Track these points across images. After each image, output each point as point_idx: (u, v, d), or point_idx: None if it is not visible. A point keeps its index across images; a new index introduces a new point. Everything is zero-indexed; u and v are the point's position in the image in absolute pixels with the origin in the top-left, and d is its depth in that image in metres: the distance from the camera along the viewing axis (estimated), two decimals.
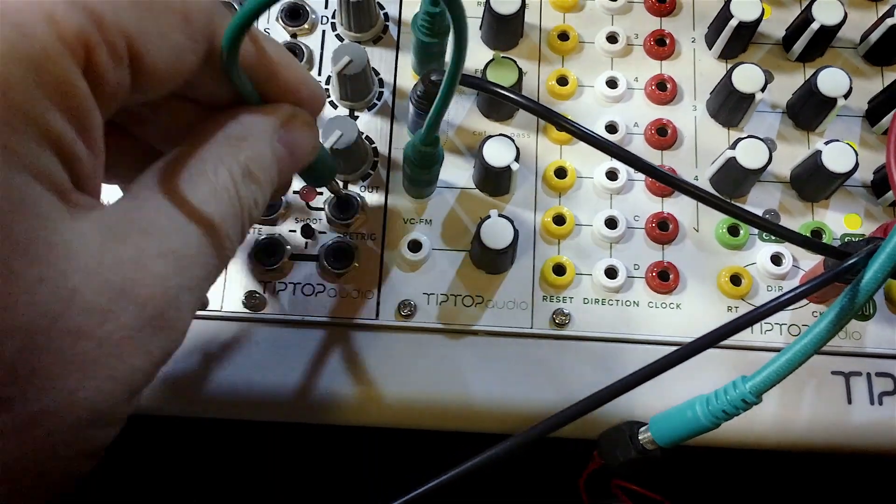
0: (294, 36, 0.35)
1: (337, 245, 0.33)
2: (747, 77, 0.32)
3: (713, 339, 0.27)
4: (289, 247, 0.32)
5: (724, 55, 0.35)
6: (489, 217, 0.31)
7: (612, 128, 0.34)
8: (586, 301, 0.33)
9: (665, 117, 0.35)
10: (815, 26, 0.33)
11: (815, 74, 0.33)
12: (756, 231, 0.33)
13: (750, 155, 0.32)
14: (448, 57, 0.33)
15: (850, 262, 0.26)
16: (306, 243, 0.33)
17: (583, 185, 0.34)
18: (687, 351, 0.27)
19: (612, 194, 0.34)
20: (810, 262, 0.33)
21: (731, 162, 0.32)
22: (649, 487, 0.32)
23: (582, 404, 0.27)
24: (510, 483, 0.38)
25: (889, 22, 0.33)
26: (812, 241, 0.28)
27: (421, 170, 0.31)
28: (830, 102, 0.33)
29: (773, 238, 0.33)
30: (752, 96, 0.32)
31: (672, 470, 0.35)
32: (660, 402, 0.30)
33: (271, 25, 0.36)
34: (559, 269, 0.33)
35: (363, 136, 0.33)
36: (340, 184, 0.33)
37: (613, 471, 0.32)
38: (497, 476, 0.35)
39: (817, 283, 0.26)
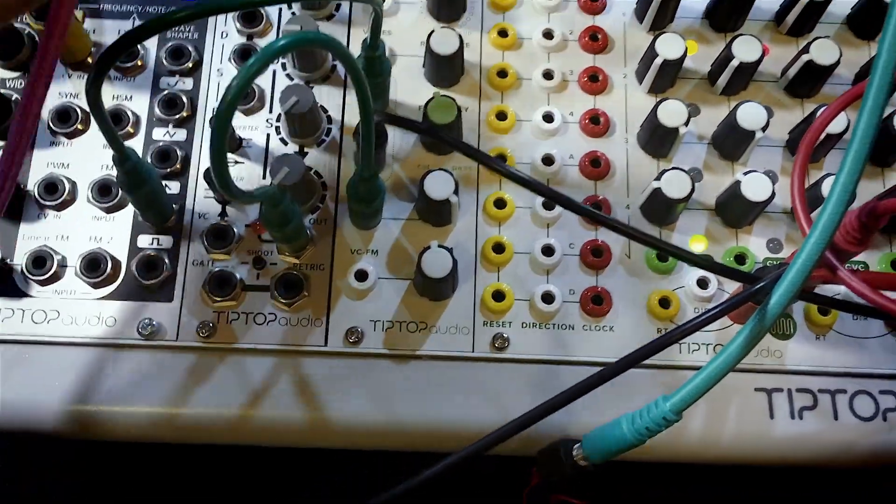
0: None
1: (287, 276, 0.34)
2: (671, 112, 0.35)
3: (633, 360, 0.29)
4: (240, 278, 0.34)
5: (654, 90, 0.37)
6: (429, 248, 0.33)
7: (548, 160, 0.36)
8: (524, 325, 0.35)
9: (598, 149, 0.37)
10: (734, 63, 0.35)
11: (734, 108, 0.35)
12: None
13: (674, 185, 0.34)
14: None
15: (759, 285, 0.28)
16: (258, 274, 0.35)
17: (521, 214, 0.36)
18: (609, 372, 0.29)
19: (549, 224, 0.36)
20: (735, 285, 0.35)
21: (657, 192, 0.34)
22: (589, 499, 0.34)
23: (511, 425, 0.29)
24: (459, 501, 0.40)
25: (805, 58, 0.36)
26: (720, 266, 0.31)
27: (363, 203, 0.32)
28: (750, 135, 0.35)
29: (700, 262, 0.35)
30: (675, 130, 0.34)
31: (611, 481, 0.37)
32: (597, 419, 0.31)
33: (224, 65, 0.37)
34: (499, 296, 0.34)
35: (311, 171, 0.35)
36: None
37: (552, 486, 0.34)
38: (444, 495, 0.37)
39: (728, 305, 0.28)
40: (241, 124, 0.36)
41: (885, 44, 0.24)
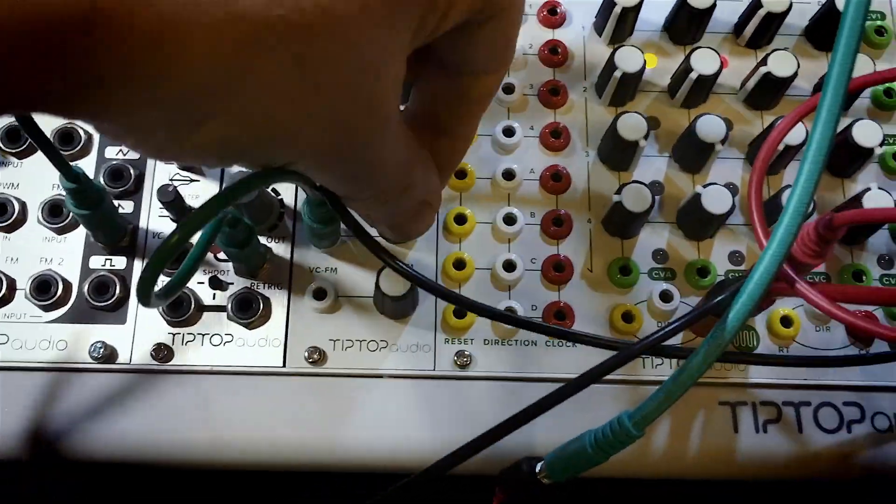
0: None
1: (244, 295, 0.34)
2: (631, 125, 0.34)
3: (592, 377, 0.28)
4: (196, 298, 0.33)
5: (614, 103, 0.37)
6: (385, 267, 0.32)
7: (508, 174, 0.36)
8: (486, 342, 0.34)
9: (560, 164, 0.36)
10: (693, 76, 0.35)
11: (694, 121, 0.35)
12: (646, 270, 0.35)
13: (633, 200, 0.33)
14: None
15: (718, 299, 0.28)
16: (214, 294, 0.34)
17: (482, 230, 0.35)
18: (569, 389, 0.28)
19: (510, 239, 0.35)
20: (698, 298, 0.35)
21: (618, 206, 0.34)
22: None
23: (469, 445, 0.28)
24: None
25: (762, 70, 0.36)
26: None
27: (321, 222, 0.32)
28: (710, 147, 0.35)
29: (663, 276, 0.35)
30: (635, 143, 0.34)
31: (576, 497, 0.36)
32: (563, 435, 0.30)
33: None
34: (460, 313, 0.34)
35: (268, 190, 0.35)
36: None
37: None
38: None
39: (687, 320, 0.28)
40: None
41: (838, 55, 0.24)
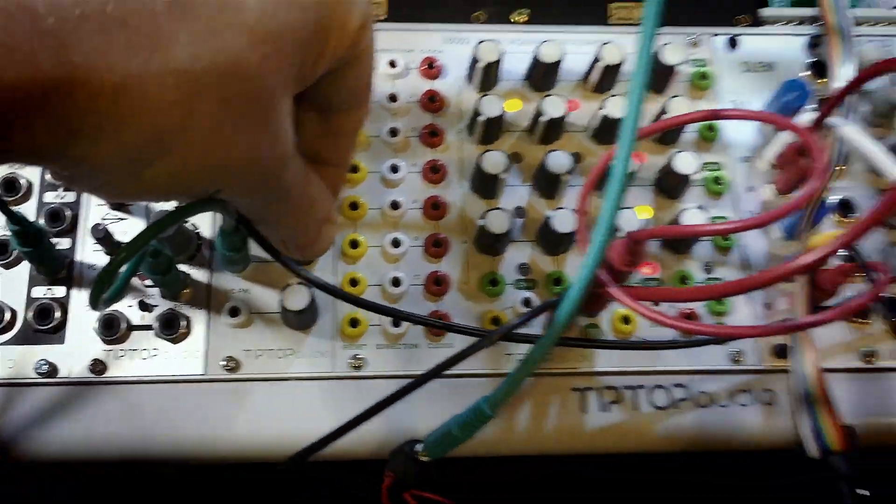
0: None
1: (168, 315, 0.39)
2: (492, 162, 0.41)
3: (440, 369, 0.35)
4: (126, 319, 0.39)
5: (483, 142, 0.44)
6: (289, 285, 0.38)
7: (395, 205, 0.43)
8: (378, 346, 0.40)
9: (438, 194, 0.43)
10: (544, 118, 0.43)
11: (545, 156, 0.42)
12: (511, 281, 0.42)
13: (495, 222, 0.40)
14: None
15: (550, 301, 0.35)
16: (143, 315, 0.40)
17: (373, 252, 0.42)
18: (418, 381, 0.35)
19: (397, 259, 0.42)
20: None
21: (483, 228, 0.40)
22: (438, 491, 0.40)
23: (339, 430, 0.35)
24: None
25: (601, 112, 0.43)
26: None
27: (232, 251, 0.38)
28: (557, 177, 0.42)
29: (526, 286, 0.42)
30: (496, 176, 0.41)
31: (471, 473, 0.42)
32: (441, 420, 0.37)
33: None
34: (354, 322, 0.40)
35: (186, 226, 0.41)
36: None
37: (406, 484, 0.40)
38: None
39: (525, 318, 0.35)
40: None
41: (630, 103, 0.31)
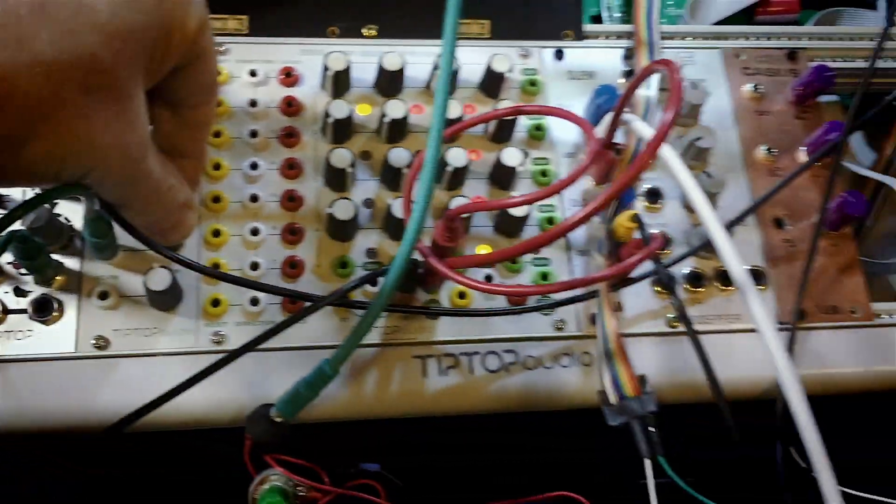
0: None
1: (42, 299, 0.43)
2: (339, 158, 0.47)
3: (257, 342, 0.41)
4: (2, 304, 0.43)
5: (335, 141, 0.49)
6: (152, 268, 0.43)
7: (254, 198, 0.47)
8: (238, 324, 0.45)
9: (296, 188, 0.48)
10: (387, 119, 0.48)
11: (388, 153, 0.47)
12: (360, 264, 0.47)
13: (340, 210, 0.45)
14: None
15: (377, 271, 0.40)
16: (18, 301, 0.43)
17: (234, 241, 0.47)
18: (234, 353, 0.41)
19: (256, 246, 0.47)
20: None
21: (331, 216, 0.46)
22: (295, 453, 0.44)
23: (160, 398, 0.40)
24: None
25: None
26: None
27: (97, 237, 0.42)
28: (398, 171, 0.47)
29: (373, 267, 0.47)
30: (343, 170, 0.47)
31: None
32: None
33: None
34: (216, 303, 0.45)
35: (57, 217, 0.44)
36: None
37: (264, 447, 0.44)
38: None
39: (355, 284, 0.41)
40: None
41: (435, 109, 0.37)
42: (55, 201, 0.45)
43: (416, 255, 0.42)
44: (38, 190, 0.41)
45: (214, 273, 0.41)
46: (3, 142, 0.28)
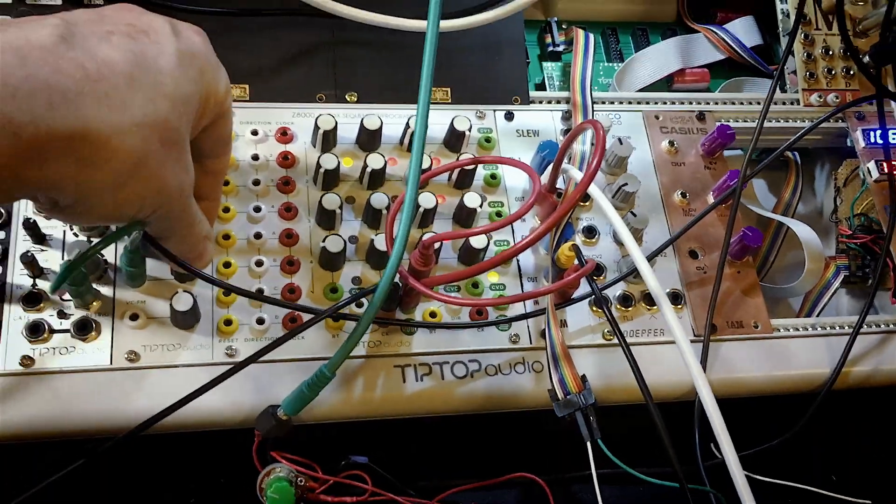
0: None
1: (82, 321, 0.51)
2: (329, 201, 0.56)
3: (259, 354, 0.49)
4: (48, 325, 0.51)
5: (325, 188, 0.59)
6: (177, 293, 0.51)
7: (258, 235, 0.56)
8: (247, 339, 0.54)
9: (292, 227, 0.57)
10: (369, 170, 0.58)
11: (369, 197, 0.57)
12: (348, 290, 0.56)
13: (332, 244, 0.54)
14: None
15: (365, 290, 0.50)
16: (61, 322, 0.52)
17: (242, 271, 0.56)
18: (239, 365, 0.49)
19: (261, 275, 0.56)
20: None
21: (324, 249, 0.55)
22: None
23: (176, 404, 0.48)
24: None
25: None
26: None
27: (131, 267, 0.51)
28: (379, 212, 0.57)
29: (358, 292, 0.57)
30: (332, 212, 0.56)
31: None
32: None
33: None
34: (228, 322, 0.54)
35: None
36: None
37: (270, 443, 0.52)
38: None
39: (348, 301, 0.50)
40: (45, 224, 0.54)
41: (411, 163, 0.47)
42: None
43: (397, 279, 0.51)
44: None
45: (239, 290, 0.50)
46: (106, 187, 0.37)
